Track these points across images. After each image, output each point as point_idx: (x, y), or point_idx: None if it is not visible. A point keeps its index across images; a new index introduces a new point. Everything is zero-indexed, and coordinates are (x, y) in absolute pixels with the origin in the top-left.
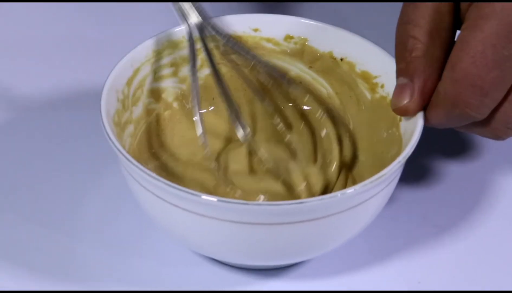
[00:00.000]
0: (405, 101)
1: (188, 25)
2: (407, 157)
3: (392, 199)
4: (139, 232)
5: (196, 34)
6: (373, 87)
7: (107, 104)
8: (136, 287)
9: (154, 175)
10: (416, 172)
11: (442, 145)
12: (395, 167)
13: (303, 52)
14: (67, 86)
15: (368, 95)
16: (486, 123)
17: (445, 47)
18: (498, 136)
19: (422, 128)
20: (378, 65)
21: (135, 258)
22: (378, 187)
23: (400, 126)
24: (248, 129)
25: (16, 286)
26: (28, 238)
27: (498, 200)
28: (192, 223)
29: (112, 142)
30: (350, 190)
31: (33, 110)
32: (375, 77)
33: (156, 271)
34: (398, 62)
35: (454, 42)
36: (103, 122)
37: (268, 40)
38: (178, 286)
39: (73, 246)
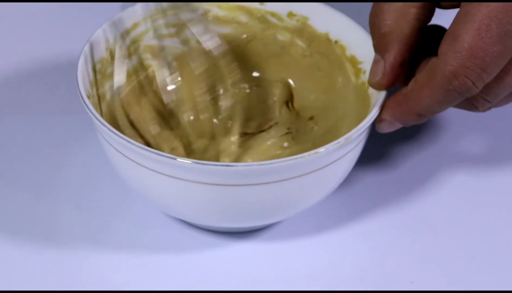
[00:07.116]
0: (378, 78)
1: None
2: (367, 125)
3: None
4: (117, 196)
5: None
6: (357, 73)
7: (92, 51)
8: (112, 248)
9: (124, 136)
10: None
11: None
12: (355, 134)
13: (303, 30)
14: (45, 55)
15: (353, 79)
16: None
17: (413, 23)
18: (475, 108)
19: (381, 105)
20: (365, 51)
21: (113, 221)
22: (342, 150)
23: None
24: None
25: None
26: (9, 203)
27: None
28: (165, 185)
29: (78, 86)
30: (316, 151)
31: (13, 78)
32: (360, 63)
33: (131, 233)
34: (372, 40)
35: (423, 19)
36: (78, 64)
37: (273, 14)
38: (152, 248)
39: (54, 210)
